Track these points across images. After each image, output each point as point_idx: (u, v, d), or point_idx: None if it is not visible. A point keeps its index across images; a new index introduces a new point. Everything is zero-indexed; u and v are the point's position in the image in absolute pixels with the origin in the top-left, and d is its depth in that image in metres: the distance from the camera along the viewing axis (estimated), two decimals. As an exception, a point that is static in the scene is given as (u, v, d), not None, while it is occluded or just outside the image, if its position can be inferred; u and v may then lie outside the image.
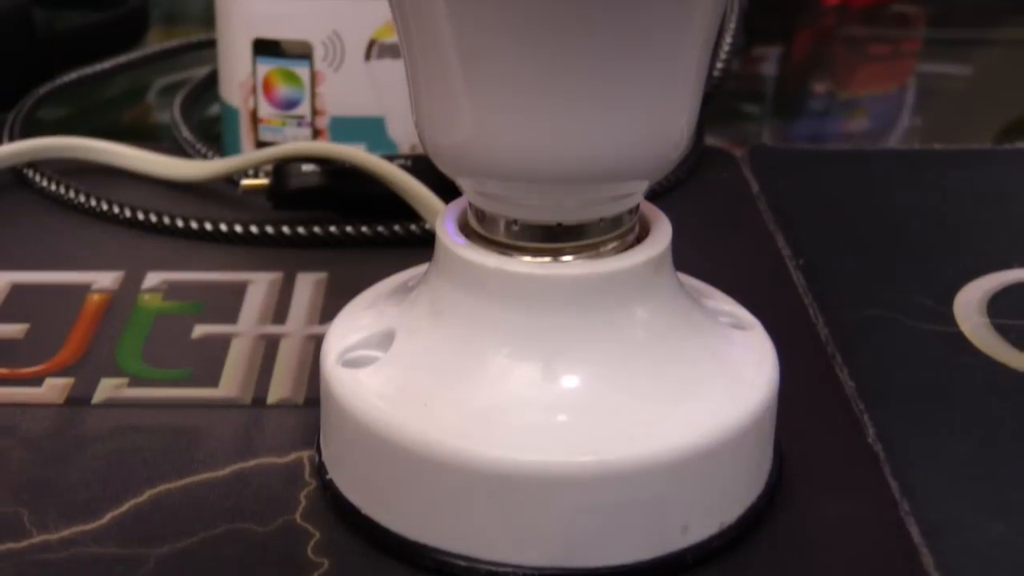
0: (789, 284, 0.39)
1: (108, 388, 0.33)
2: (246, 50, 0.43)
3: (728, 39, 0.48)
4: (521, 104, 0.26)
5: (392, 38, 0.42)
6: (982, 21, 0.69)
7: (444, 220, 0.29)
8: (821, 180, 0.46)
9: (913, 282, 0.39)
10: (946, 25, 0.68)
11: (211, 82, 0.51)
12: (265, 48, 0.43)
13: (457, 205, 0.29)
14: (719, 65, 0.48)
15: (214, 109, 0.50)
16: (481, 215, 0.28)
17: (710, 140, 0.49)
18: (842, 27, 0.65)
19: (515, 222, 0.28)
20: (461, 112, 0.27)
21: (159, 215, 0.41)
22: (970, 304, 0.38)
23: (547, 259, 0.28)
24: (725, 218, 0.43)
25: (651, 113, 0.27)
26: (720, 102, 0.51)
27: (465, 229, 0.29)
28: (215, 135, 0.47)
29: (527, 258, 0.28)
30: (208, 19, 0.63)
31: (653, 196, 0.29)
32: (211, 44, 0.54)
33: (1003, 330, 0.37)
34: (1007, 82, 0.62)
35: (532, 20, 0.26)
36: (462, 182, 0.28)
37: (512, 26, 0.26)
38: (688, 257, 0.31)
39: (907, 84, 0.62)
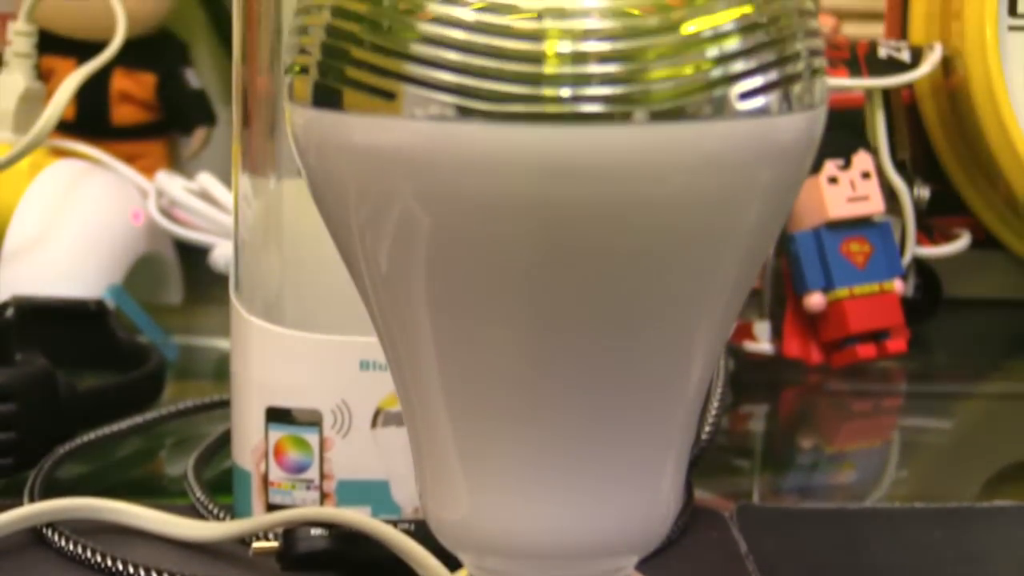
0: (777, 645, 0.40)
1: None
2: (259, 417, 0.46)
3: (715, 403, 0.51)
4: (516, 488, 0.28)
5: (397, 407, 0.44)
6: (962, 376, 0.72)
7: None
8: (807, 539, 0.48)
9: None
10: (927, 380, 0.71)
11: (224, 441, 0.54)
12: (277, 416, 0.45)
13: (459, 576, 0.32)
14: (707, 428, 0.50)
15: (227, 463, 0.53)
16: (481, 588, 0.30)
17: (702, 494, 0.51)
18: (826, 384, 0.68)
19: (513, 595, 0.30)
20: (459, 492, 0.29)
21: (172, 575, 0.43)
22: (952, 664, 0.39)
23: (543, 628, 0.30)
24: (714, 578, 0.45)
25: (640, 494, 0.29)
26: (710, 457, 0.53)
27: (466, 600, 0.31)
28: (226, 487, 0.49)
29: (524, 629, 0.30)
30: (219, 373, 0.66)
31: (645, 557, 0.31)
32: (223, 404, 0.57)
33: None
34: (989, 436, 0.65)
35: (526, 409, 0.28)
36: (462, 556, 0.30)
37: (506, 413, 0.28)
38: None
39: (891, 439, 0.65)
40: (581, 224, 0.27)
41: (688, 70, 0.26)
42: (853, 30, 0.72)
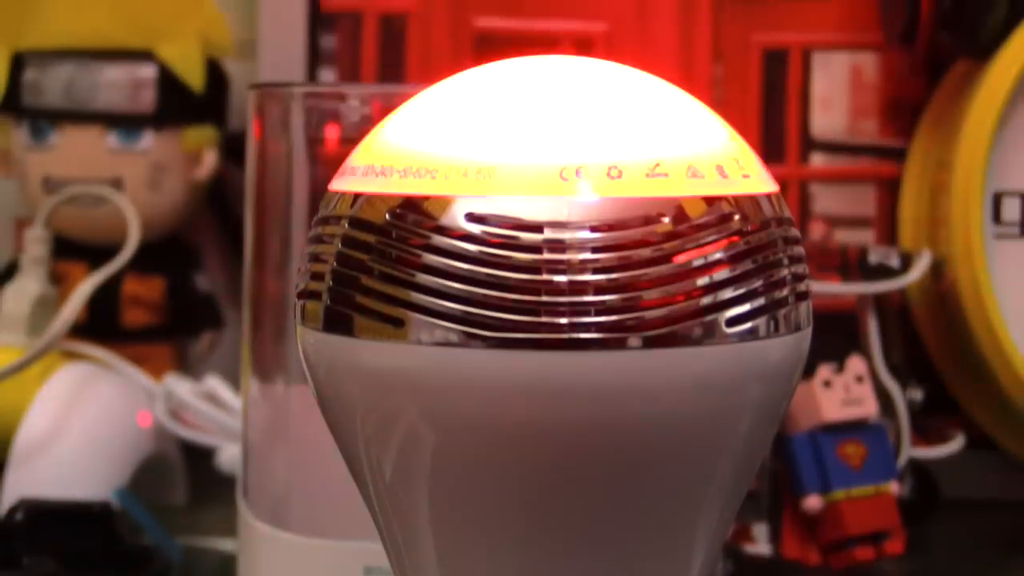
0: None
1: None
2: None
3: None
4: None
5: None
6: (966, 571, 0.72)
7: None
8: None
9: None
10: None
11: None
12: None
13: None
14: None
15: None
16: None
17: None
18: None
19: None
20: None
21: None
22: None
23: None
24: None
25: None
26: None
27: None
28: None
29: None
30: (223, 575, 0.67)
31: None
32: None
33: None
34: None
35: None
36: None
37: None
38: None
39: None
40: (579, 442, 0.28)
41: (680, 298, 0.28)
42: (844, 236, 0.74)
